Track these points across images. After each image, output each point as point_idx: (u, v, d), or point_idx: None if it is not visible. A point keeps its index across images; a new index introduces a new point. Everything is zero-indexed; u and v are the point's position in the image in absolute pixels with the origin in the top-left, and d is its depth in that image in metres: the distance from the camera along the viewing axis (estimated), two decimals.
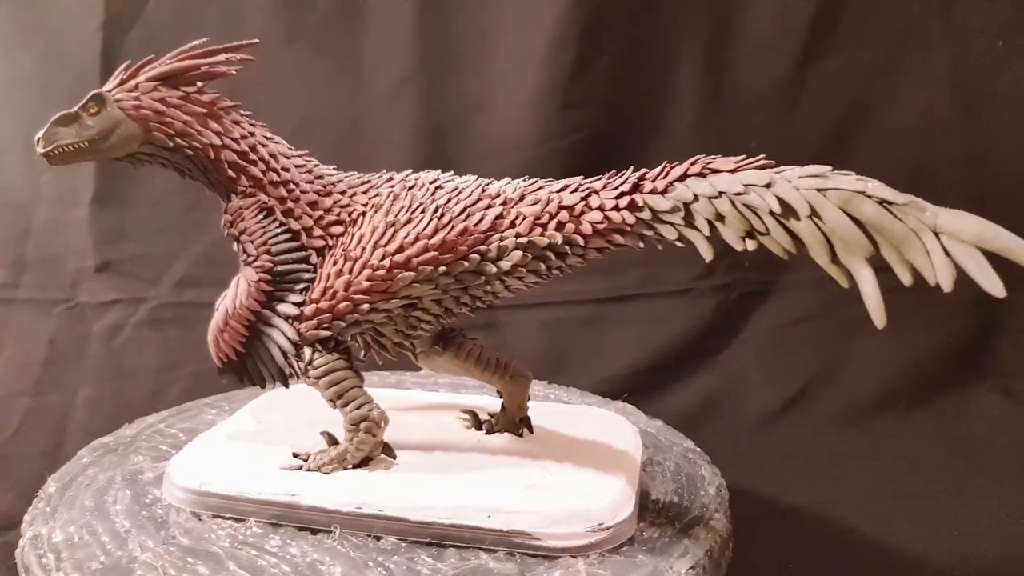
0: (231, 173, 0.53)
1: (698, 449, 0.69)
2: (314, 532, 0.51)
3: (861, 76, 0.99)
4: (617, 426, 0.66)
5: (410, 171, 0.56)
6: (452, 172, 0.56)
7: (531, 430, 0.63)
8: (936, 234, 0.40)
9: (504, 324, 0.98)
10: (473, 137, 0.96)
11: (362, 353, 0.56)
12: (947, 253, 0.39)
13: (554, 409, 0.69)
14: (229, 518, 0.52)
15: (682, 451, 0.69)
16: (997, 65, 0.99)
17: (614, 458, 0.58)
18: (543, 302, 0.99)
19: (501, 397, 0.63)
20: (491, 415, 0.64)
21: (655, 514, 0.56)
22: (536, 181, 0.53)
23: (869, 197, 0.41)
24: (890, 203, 0.41)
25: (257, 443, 0.59)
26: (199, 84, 0.52)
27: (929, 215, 0.40)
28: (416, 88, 0.95)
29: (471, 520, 0.49)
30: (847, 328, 0.98)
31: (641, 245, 0.49)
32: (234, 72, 0.53)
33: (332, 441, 0.57)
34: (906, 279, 0.40)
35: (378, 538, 0.50)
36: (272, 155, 0.54)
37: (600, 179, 0.51)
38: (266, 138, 0.54)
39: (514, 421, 0.62)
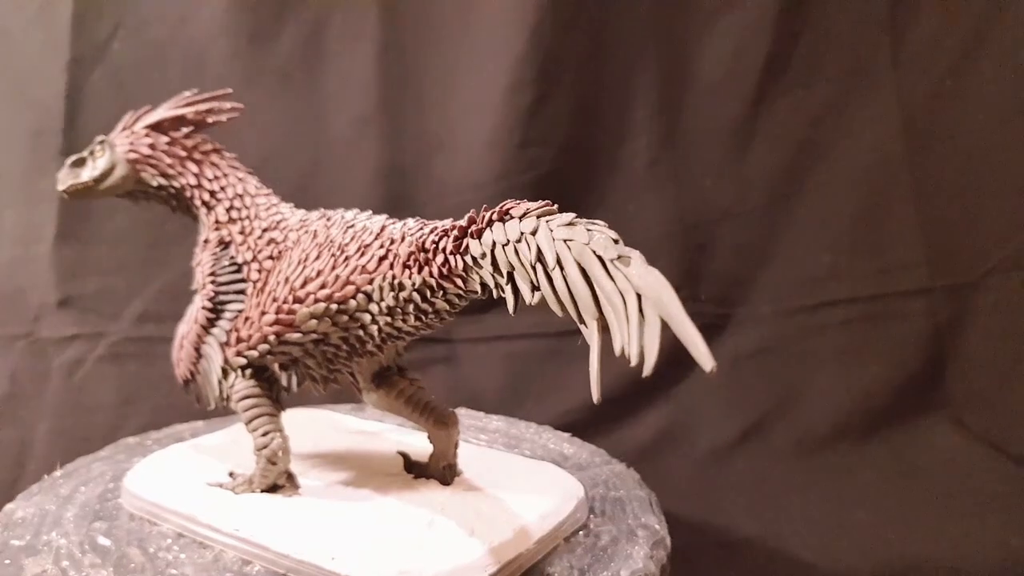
0: (204, 210, 0.60)
1: (630, 469, 0.68)
2: (204, 547, 0.54)
3: (812, 115, 1.02)
4: (559, 491, 0.59)
5: (342, 210, 0.58)
6: (385, 214, 0.57)
7: (454, 476, 0.60)
8: (639, 295, 0.35)
9: (463, 357, 0.99)
10: (433, 175, 0.98)
11: (295, 385, 0.59)
12: (642, 315, 0.35)
13: (506, 462, 0.66)
14: (149, 522, 0.57)
15: (613, 474, 0.67)
16: (944, 104, 1.02)
17: (513, 522, 0.53)
18: (503, 335, 1.00)
19: (430, 440, 0.60)
20: (404, 455, 0.64)
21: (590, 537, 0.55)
22: (428, 223, 0.51)
23: (593, 252, 0.38)
24: (605, 259, 0.37)
25: (211, 458, 0.64)
26: (185, 130, 0.60)
27: (638, 272, 0.36)
28: (377, 127, 0.97)
29: (316, 559, 0.49)
30: (800, 361, 1.00)
31: (481, 295, 0.47)
32: (224, 120, 0.61)
33: None
34: (615, 344, 0.36)
35: (247, 562, 0.52)
36: (238, 194, 0.59)
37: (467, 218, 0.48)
38: (238, 179, 0.60)
39: (439, 467, 0.61)
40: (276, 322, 0.53)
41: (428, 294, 0.49)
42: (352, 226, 0.54)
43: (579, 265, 0.37)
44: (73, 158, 0.61)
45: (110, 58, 0.95)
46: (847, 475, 0.93)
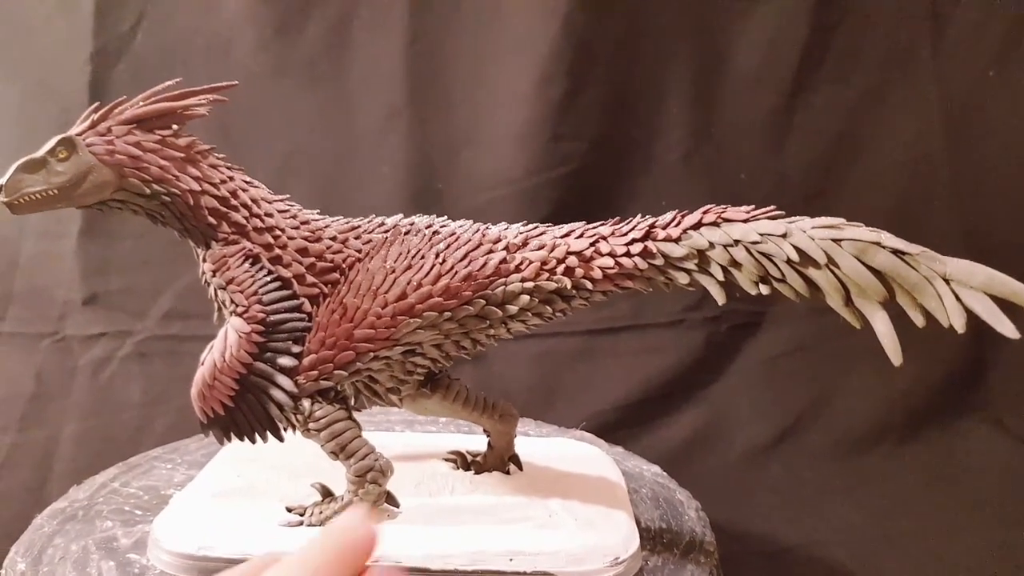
0: (211, 220, 0.50)
1: (665, 473, 0.70)
2: None
3: (849, 108, 1.00)
4: (595, 457, 0.67)
5: (400, 216, 0.55)
6: (445, 216, 0.56)
7: (520, 467, 0.63)
8: (947, 281, 0.43)
9: (493, 357, 0.97)
10: (462, 170, 0.96)
11: (352, 400, 0.55)
12: (958, 299, 0.42)
13: (528, 443, 0.69)
14: None
15: (652, 476, 0.69)
16: (987, 96, 0.99)
17: (607, 490, 0.60)
18: (533, 334, 0.99)
19: (488, 436, 0.62)
20: (473, 455, 0.64)
21: (651, 542, 0.56)
22: (537, 226, 0.53)
23: (883, 247, 0.44)
24: (903, 253, 0.44)
25: (244, 499, 0.56)
26: (174, 127, 0.50)
27: (939, 264, 0.43)
28: (405, 121, 0.95)
29: (493, 565, 0.49)
30: (837, 360, 0.98)
31: (650, 289, 0.51)
32: (206, 114, 0.51)
33: (326, 493, 0.55)
34: (919, 321, 0.43)
35: None
36: (254, 200, 0.51)
37: (604, 224, 0.52)
38: (246, 182, 0.52)
39: (502, 459, 0.62)
40: (372, 338, 0.50)
41: (576, 294, 0.51)
42: (438, 232, 0.53)
43: (858, 259, 0.44)
44: (23, 160, 0.47)
45: (134, 50, 0.92)
46: (887, 479, 0.91)
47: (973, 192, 0.99)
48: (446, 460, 0.64)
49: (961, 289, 0.42)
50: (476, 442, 0.65)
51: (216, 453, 0.64)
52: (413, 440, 0.71)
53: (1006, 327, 0.41)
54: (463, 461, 0.63)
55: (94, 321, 0.93)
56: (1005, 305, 0.42)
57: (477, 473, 0.62)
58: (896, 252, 0.44)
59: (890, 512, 0.85)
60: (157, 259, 0.93)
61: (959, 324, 0.42)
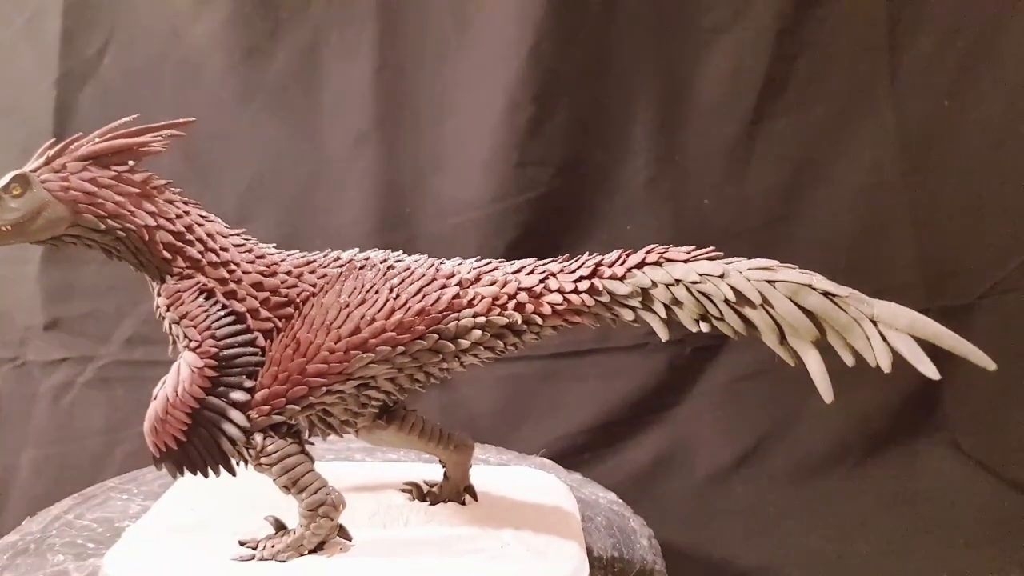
0: (166, 254, 0.50)
1: (621, 501, 0.71)
2: None
3: (810, 135, 1.02)
4: (550, 486, 0.68)
5: (356, 250, 0.56)
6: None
7: (475, 498, 0.63)
8: (874, 322, 0.44)
9: (459, 380, 0.98)
10: (430, 195, 0.97)
11: (306, 433, 0.55)
12: (884, 339, 0.44)
13: (485, 473, 0.69)
14: None
15: (608, 504, 0.70)
16: (943, 125, 1.02)
17: (560, 520, 0.61)
18: (499, 358, 1.00)
19: (444, 466, 0.63)
20: (430, 484, 0.64)
21: (602, 571, 0.57)
22: (490, 262, 0.54)
23: (815, 289, 0.46)
24: (833, 295, 0.46)
25: (197, 532, 0.56)
26: (130, 163, 0.50)
27: (867, 306, 0.45)
28: (373, 146, 0.96)
29: None
30: (797, 384, 0.98)
31: (597, 325, 0.53)
32: (162, 150, 0.51)
33: (279, 526, 0.55)
34: (849, 361, 0.45)
35: None
36: (209, 235, 0.52)
37: (554, 261, 0.54)
38: (202, 217, 0.52)
39: (458, 490, 0.63)
40: (325, 372, 0.51)
41: (527, 329, 0.53)
42: (392, 267, 0.53)
43: (791, 300, 0.46)
44: None
45: (100, 74, 0.92)
46: (845, 501, 0.92)
47: (929, 218, 1.02)
48: (402, 491, 0.65)
49: (887, 330, 0.44)
50: (434, 471, 0.66)
51: (172, 484, 0.64)
52: (371, 470, 0.71)
53: (928, 368, 0.43)
54: (419, 492, 0.64)
55: (55, 346, 0.92)
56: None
57: (432, 504, 0.63)
58: (827, 294, 0.46)
59: (848, 534, 0.86)
60: (120, 284, 0.92)
61: (885, 364, 0.44)
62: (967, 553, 0.82)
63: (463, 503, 0.63)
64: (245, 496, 0.59)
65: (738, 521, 0.88)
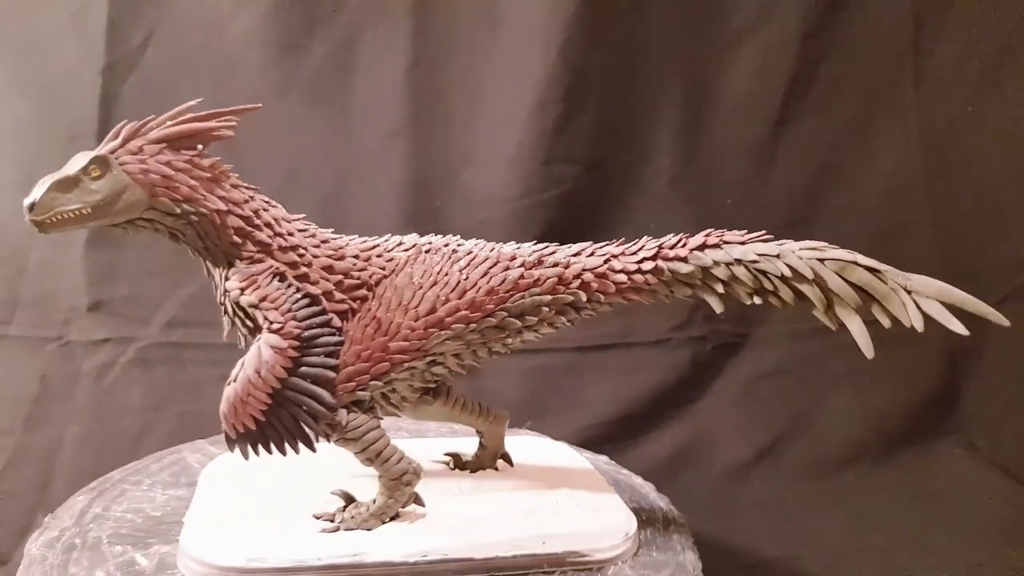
0: (236, 239, 0.51)
1: (614, 463, 0.77)
2: None
3: (833, 138, 1.03)
4: (562, 451, 0.75)
5: (415, 235, 0.59)
6: (451, 235, 0.59)
7: (511, 464, 0.68)
8: (909, 292, 0.52)
9: (486, 372, 1.00)
10: (459, 190, 0.99)
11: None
12: (918, 306, 0.51)
13: (535, 449, 0.74)
14: None
15: (603, 464, 0.75)
16: (965, 129, 1.03)
17: (591, 477, 0.67)
18: (524, 349, 1.02)
19: (481, 436, 0.67)
20: (452, 455, 0.69)
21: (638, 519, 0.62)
22: (547, 245, 0.58)
23: (859, 265, 0.53)
24: (875, 270, 0.52)
25: (260, 512, 0.57)
26: (199, 147, 0.51)
27: (902, 278, 0.52)
28: (405, 142, 0.98)
29: (529, 549, 0.54)
30: (816, 382, 1.01)
31: (652, 301, 0.58)
32: (232, 135, 0.52)
33: (348, 498, 0.57)
34: (886, 323, 0.52)
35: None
36: (276, 219, 0.53)
37: (610, 244, 0.58)
38: (266, 202, 0.53)
39: (494, 458, 0.68)
40: (406, 349, 0.54)
41: (588, 306, 0.57)
42: (456, 251, 0.57)
43: (838, 275, 0.52)
44: (55, 178, 0.47)
45: (143, 65, 0.95)
46: (862, 498, 0.94)
47: (949, 221, 1.03)
48: (438, 462, 0.68)
49: (920, 298, 0.51)
50: (456, 446, 0.70)
51: (182, 472, 0.68)
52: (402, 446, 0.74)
53: (956, 326, 0.50)
54: (458, 461, 0.68)
55: (98, 327, 0.95)
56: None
57: (472, 471, 0.67)
58: (869, 269, 0.52)
59: (865, 528, 0.88)
60: (161, 268, 0.95)
61: (919, 325, 0.51)
62: (983, 550, 0.83)
63: (497, 469, 0.68)
64: (279, 473, 0.61)
65: (757, 514, 0.90)
